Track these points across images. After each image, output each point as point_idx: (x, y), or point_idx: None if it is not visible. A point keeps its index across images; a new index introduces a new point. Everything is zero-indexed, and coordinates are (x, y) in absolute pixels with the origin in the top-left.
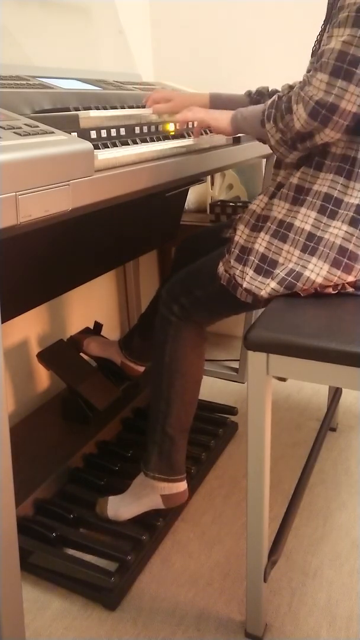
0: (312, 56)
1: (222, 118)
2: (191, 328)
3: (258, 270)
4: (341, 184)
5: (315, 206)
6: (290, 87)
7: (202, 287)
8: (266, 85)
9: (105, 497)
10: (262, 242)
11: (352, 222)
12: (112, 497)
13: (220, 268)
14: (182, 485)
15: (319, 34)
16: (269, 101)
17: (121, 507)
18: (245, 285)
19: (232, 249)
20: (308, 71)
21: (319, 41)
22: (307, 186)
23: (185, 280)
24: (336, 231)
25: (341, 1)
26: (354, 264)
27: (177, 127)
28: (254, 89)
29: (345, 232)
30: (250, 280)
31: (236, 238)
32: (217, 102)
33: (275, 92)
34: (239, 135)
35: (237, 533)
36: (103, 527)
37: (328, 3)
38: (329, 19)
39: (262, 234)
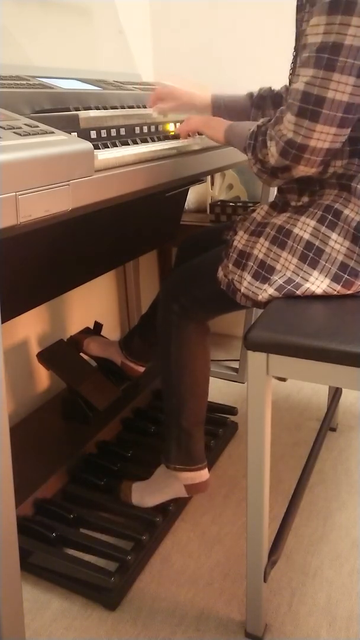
0: (289, 74)
1: (218, 129)
2: (193, 324)
3: (256, 276)
4: (344, 197)
5: (316, 216)
6: (287, 89)
7: (201, 286)
8: (268, 87)
9: (127, 482)
10: (261, 248)
11: (354, 239)
12: (136, 484)
13: (220, 273)
14: (204, 474)
15: (292, 62)
16: (251, 129)
17: (146, 496)
18: (243, 290)
19: (231, 254)
20: (285, 100)
21: (292, 70)
22: (316, 201)
23: (184, 279)
24: (338, 247)
25: (304, 39)
26: (354, 280)
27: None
28: (255, 89)
29: (347, 249)
30: (248, 286)
31: (235, 243)
32: (219, 103)
33: (276, 94)
34: None
35: (237, 533)
36: (103, 527)
37: (297, 31)
38: (297, 49)
39: (261, 240)
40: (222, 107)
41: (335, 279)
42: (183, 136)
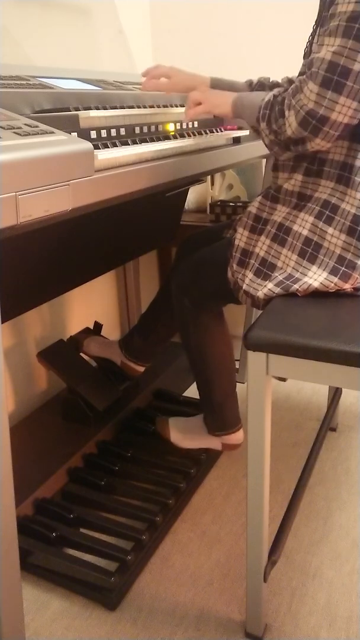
0: (304, 57)
1: (223, 103)
2: (206, 313)
3: (258, 273)
4: (340, 191)
5: (314, 212)
6: (290, 81)
7: (209, 278)
8: (267, 76)
9: (161, 418)
10: (262, 246)
11: (350, 232)
12: (173, 420)
13: (229, 273)
14: (239, 436)
15: (311, 35)
16: (265, 99)
17: (185, 439)
18: (244, 287)
19: (234, 253)
20: (301, 74)
21: (310, 42)
22: (309, 193)
23: (191, 273)
24: (335, 240)
25: (332, 8)
26: (352, 272)
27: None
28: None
29: (344, 241)
30: (249, 283)
31: (236, 242)
32: (218, 86)
33: (275, 84)
34: (239, 135)
35: (237, 533)
36: (103, 527)
37: (320, 3)
38: (320, 21)
39: (262, 238)
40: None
41: (333, 272)
42: (187, 118)
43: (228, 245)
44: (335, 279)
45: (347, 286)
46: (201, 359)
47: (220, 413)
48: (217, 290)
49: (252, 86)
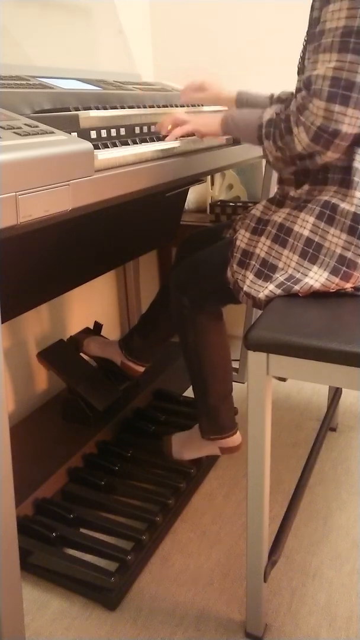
0: (298, 73)
1: (213, 124)
2: (204, 314)
3: (258, 275)
4: (341, 193)
5: (314, 212)
6: (292, 94)
7: (208, 278)
8: (289, 91)
9: (167, 436)
10: (263, 247)
11: (351, 231)
12: (175, 437)
13: (228, 273)
14: (236, 438)
15: (302, 51)
16: (266, 117)
17: (184, 451)
18: (245, 288)
19: (235, 254)
20: (297, 90)
21: (302, 57)
22: (315, 197)
23: (191, 273)
24: (336, 240)
25: (320, 25)
26: (353, 272)
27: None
28: (255, 88)
29: (345, 241)
30: (250, 284)
31: (237, 242)
32: (243, 99)
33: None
34: None
35: (237, 533)
36: (103, 527)
37: (309, 20)
38: (309, 38)
39: (263, 238)
40: (244, 104)
41: (334, 271)
42: (170, 137)
43: (228, 245)
44: (337, 279)
45: (349, 285)
46: (198, 362)
47: (216, 416)
48: (216, 290)
49: (272, 99)
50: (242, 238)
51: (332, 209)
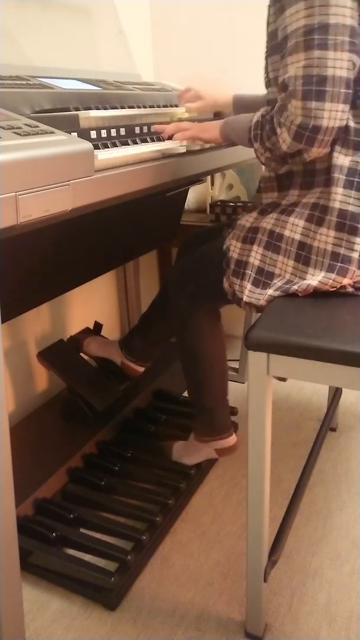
0: (266, 87)
1: (212, 129)
2: (202, 312)
3: (256, 283)
4: (326, 192)
5: (303, 215)
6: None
7: (207, 276)
8: None
9: (167, 443)
10: (256, 255)
11: (338, 227)
12: (177, 444)
13: (225, 284)
14: (231, 440)
15: (264, 66)
16: (254, 120)
17: (184, 456)
18: (245, 299)
19: (230, 265)
20: (271, 100)
21: (266, 71)
22: (302, 200)
23: (189, 269)
24: (325, 238)
25: (282, 32)
26: (349, 267)
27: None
28: (254, 89)
29: (334, 237)
30: (249, 294)
31: (230, 254)
32: (240, 102)
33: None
34: None
35: (237, 533)
36: (103, 527)
37: (267, 33)
38: (270, 52)
39: (255, 247)
40: (242, 107)
41: (330, 269)
42: (178, 139)
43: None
44: (334, 275)
45: (347, 281)
46: (194, 361)
47: (211, 418)
48: (214, 289)
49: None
50: (234, 249)
51: (321, 211)
